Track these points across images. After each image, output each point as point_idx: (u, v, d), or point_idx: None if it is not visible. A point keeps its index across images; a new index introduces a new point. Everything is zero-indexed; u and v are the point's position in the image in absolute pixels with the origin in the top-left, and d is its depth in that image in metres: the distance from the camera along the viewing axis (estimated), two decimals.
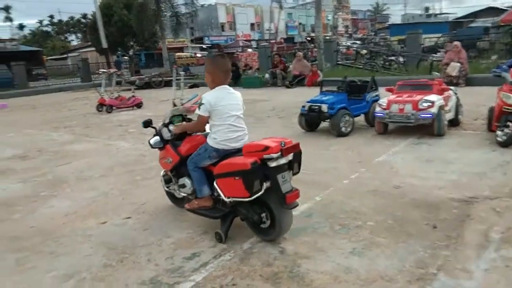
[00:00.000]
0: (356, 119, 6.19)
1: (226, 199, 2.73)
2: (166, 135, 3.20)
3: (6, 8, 61.36)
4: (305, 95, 10.44)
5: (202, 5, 21.92)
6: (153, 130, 3.39)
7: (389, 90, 6.21)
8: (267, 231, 2.76)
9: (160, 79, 17.53)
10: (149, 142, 3.41)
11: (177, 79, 9.64)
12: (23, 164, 5.56)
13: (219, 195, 2.78)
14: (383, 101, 5.70)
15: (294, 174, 2.78)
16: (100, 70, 11.65)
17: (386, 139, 5.55)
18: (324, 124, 6.23)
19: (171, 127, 3.22)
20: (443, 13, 63.39)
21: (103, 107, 10.35)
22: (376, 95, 6.45)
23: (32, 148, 6.49)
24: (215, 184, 2.79)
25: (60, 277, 2.52)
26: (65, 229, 3.25)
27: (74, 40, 71.09)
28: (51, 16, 69.35)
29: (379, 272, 2.34)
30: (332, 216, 3.13)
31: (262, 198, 2.65)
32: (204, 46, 52.20)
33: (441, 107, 5.38)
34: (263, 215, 2.71)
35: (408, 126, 5.63)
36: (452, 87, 6.19)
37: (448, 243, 2.63)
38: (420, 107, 5.30)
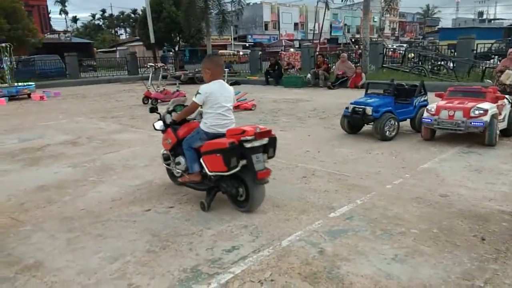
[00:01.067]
0: (401, 123, 6.02)
1: (209, 173, 3.25)
2: (168, 120, 3.77)
3: (62, 1, 64.79)
4: (347, 96, 10.28)
5: (248, 4, 21.94)
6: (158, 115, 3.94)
7: (439, 96, 5.98)
8: (243, 203, 3.31)
9: None
10: (153, 125, 3.94)
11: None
12: (74, 149, 5.87)
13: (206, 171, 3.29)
14: (432, 106, 5.50)
15: (269, 157, 3.33)
16: (148, 64, 12.04)
17: (432, 145, 5.36)
18: (367, 127, 6.11)
19: (173, 114, 3.75)
20: (497, 19, 60.15)
21: (149, 99, 10.69)
22: (425, 100, 6.24)
23: (82, 135, 6.84)
24: (201, 160, 3.31)
25: (107, 258, 2.64)
26: (111, 213, 3.40)
27: (123, 34, 73.96)
28: (103, 11, 72.55)
29: (422, 281, 2.27)
30: (373, 221, 3.07)
31: (240, 175, 3.19)
32: (247, 44, 52.67)
33: (494, 116, 5.12)
34: (240, 189, 3.27)
35: (456, 134, 5.41)
36: (507, 96, 5.87)
37: (496, 256, 2.51)
38: (472, 114, 5.07)
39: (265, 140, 3.19)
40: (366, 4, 15.60)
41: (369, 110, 5.67)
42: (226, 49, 43.87)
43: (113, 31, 69.69)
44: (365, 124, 6.05)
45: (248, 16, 51.95)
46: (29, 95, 13.68)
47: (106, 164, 4.99)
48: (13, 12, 21.06)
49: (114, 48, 52.05)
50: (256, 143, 3.13)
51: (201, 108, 3.45)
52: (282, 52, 22.91)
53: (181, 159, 3.65)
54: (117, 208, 3.53)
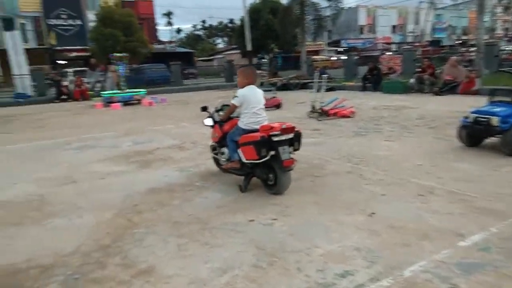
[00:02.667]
0: None
1: (245, 161, 3.98)
2: (216, 118, 4.58)
3: (168, 14, 70.63)
4: (459, 104, 9.27)
5: (342, 8, 21.35)
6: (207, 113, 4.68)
7: None
8: (272, 187, 3.99)
9: (297, 81, 17.79)
10: (203, 122, 4.79)
11: (318, 82, 9.52)
12: (180, 154, 6.15)
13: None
14: None
15: (295, 150, 3.99)
16: None
17: None
18: (491, 140, 5.34)
19: (221, 113, 4.56)
20: None
21: None
22: None
23: (187, 140, 7.17)
24: (239, 150, 4.04)
25: (215, 269, 2.60)
26: (217, 220, 3.40)
27: (220, 43, 77.90)
28: (204, 21, 77.29)
29: None
30: None
31: (270, 163, 3.87)
32: (340, 49, 51.50)
33: None
34: (270, 175, 3.96)
35: None
36: None
37: None
38: None
39: (290, 135, 3.91)
40: (480, 3, 14.03)
41: (495, 121, 4.94)
42: (318, 55, 43.45)
43: (211, 41, 73.85)
44: (489, 137, 5.30)
45: (342, 21, 50.62)
46: (139, 101, 14.99)
47: (210, 169, 5.10)
48: (129, 25, 23.45)
49: (212, 57, 55.06)
50: (283, 137, 3.84)
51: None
52: (383, 55, 21.78)
53: (225, 150, 4.42)
54: (222, 215, 3.52)
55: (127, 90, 15.80)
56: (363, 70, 19.60)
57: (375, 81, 15.01)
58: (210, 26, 75.80)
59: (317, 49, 47.20)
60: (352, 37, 56.66)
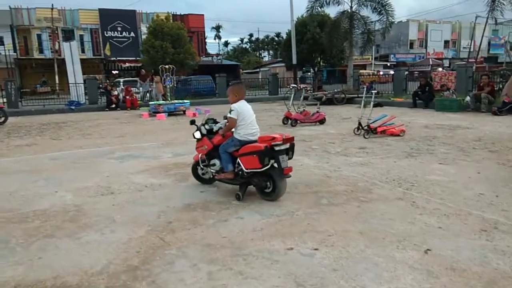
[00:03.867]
0: None
1: (245, 170, 4.17)
2: (203, 131, 4.74)
3: (217, 28, 72.43)
4: None
5: (393, 22, 20.62)
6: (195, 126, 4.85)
7: None
8: (270, 194, 4.22)
9: (343, 95, 17.30)
10: (193, 135, 4.84)
11: (366, 97, 9.09)
12: None
13: (239, 170, 4.28)
14: None
15: (289, 158, 4.21)
16: (291, 84, 12.10)
17: None
18: None
19: (219, 129, 4.61)
20: None
21: (288, 120, 10.65)
22: None
23: None
24: (238, 160, 4.25)
25: None
26: (253, 247, 3.14)
27: (266, 56, 78.63)
28: (251, 35, 78.48)
29: None
30: None
31: (268, 171, 4.10)
32: (388, 64, 50.01)
33: None
34: (268, 183, 4.18)
35: None
36: None
37: None
38: None
39: (288, 145, 4.16)
40: None
41: None
42: (365, 69, 42.42)
43: (257, 54, 74.68)
44: None
45: (391, 35, 49.31)
46: (184, 112, 15.19)
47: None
48: (178, 38, 24.14)
49: (257, 70, 55.52)
50: (283, 147, 4.09)
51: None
52: (436, 71, 20.78)
53: (216, 161, 4.53)
54: (258, 240, 3.26)
55: (173, 101, 16.09)
56: (413, 86, 18.77)
57: (426, 98, 14.24)
58: (257, 39, 76.78)
59: (364, 63, 46.20)
60: (401, 52, 54.97)
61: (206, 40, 46.83)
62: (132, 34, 38.34)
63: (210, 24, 74.75)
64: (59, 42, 32.84)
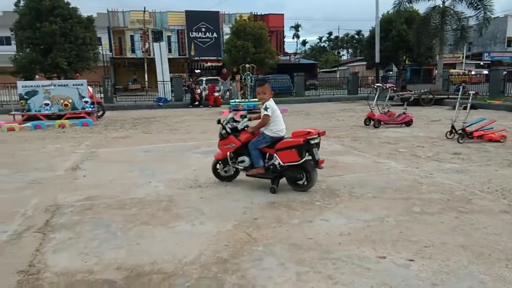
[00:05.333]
0: None
1: (282, 164, 4.41)
2: (228, 130, 4.81)
3: (296, 27, 72.27)
4: None
5: (490, 18, 18.67)
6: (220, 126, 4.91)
7: None
8: (303, 185, 4.52)
9: (431, 96, 16.16)
10: (220, 134, 4.89)
11: (461, 99, 8.36)
12: None
13: (270, 165, 4.53)
14: None
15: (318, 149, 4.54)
16: (375, 84, 11.60)
17: None
18: None
19: (245, 128, 4.80)
20: None
21: (371, 121, 10.22)
22: None
23: None
24: (275, 155, 4.46)
25: None
26: (341, 251, 3.03)
27: (344, 54, 76.69)
28: (330, 33, 77.11)
29: None
30: None
31: (302, 164, 4.37)
32: (481, 63, 45.65)
33: None
34: (301, 174, 4.48)
35: None
36: None
37: None
38: None
39: (319, 139, 4.51)
40: None
41: None
42: (455, 68, 39.18)
43: (336, 52, 73.10)
44: None
45: (486, 32, 45.04)
46: None
47: (331, 188, 4.74)
48: (260, 37, 24.53)
49: (335, 68, 54.34)
50: (316, 140, 4.44)
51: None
52: None
53: (245, 158, 4.67)
54: (346, 245, 3.14)
55: (252, 99, 16.38)
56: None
57: None
58: (336, 37, 75.16)
59: (454, 62, 42.72)
60: (497, 50, 49.81)
61: (284, 40, 46.97)
62: (215, 34, 39.88)
63: (289, 23, 74.74)
64: (149, 43, 35.35)
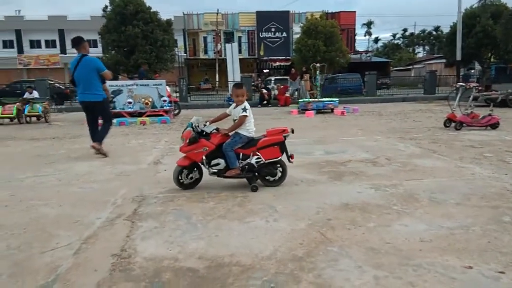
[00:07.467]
0: None
1: (265, 161, 4.67)
2: (208, 129, 4.75)
3: (368, 24, 69.79)
4: None
5: None
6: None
7: None
8: (278, 180, 4.87)
9: None
10: (189, 140, 4.63)
11: None
12: (374, 169, 5.75)
13: (245, 165, 4.67)
14: None
15: None
16: (457, 83, 10.84)
17: None
18: None
19: (213, 131, 4.78)
20: None
21: (451, 123, 9.58)
22: None
23: (380, 155, 6.70)
24: (257, 153, 4.66)
25: None
26: (422, 258, 2.90)
27: (420, 52, 72.52)
28: (404, 30, 73.34)
29: None
30: None
31: (280, 160, 4.80)
32: None
33: None
34: (279, 170, 4.84)
35: None
36: None
37: None
38: None
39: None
40: None
41: None
42: None
43: (411, 50, 69.37)
44: None
45: None
46: (332, 110, 15.15)
47: (410, 192, 4.55)
48: (331, 36, 24.18)
49: (410, 67, 51.60)
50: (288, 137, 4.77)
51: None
52: None
53: (220, 160, 4.65)
54: (428, 252, 3.00)
55: (321, 98, 16.20)
56: None
57: None
58: (411, 34, 71.31)
59: None
60: None
61: (355, 37, 45.65)
62: (284, 34, 40.06)
63: (360, 20, 72.40)
64: (220, 44, 36.55)
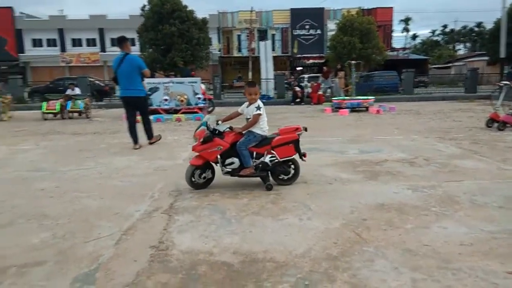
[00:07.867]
0: None
1: (280, 160, 4.65)
2: (221, 128, 4.69)
3: (406, 20, 67.66)
4: None
5: None
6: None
7: None
8: (290, 179, 4.83)
9: None
10: (204, 139, 4.58)
11: None
12: (411, 170, 5.60)
13: (258, 163, 4.65)
14: None
15: None
16: (501, 82, 10.34)
17: None
18: None
19: (227, 129, 4.71)
20: None
21: (494, 123, 9.16)
22: None
23: (418, 155, 6.51)
24: (272, 151, 4.64)
25: None
26: (462, 262, 2.81)
27: (461, 49, 69.66)
28: (444, 26, 70.67)
29: None
30: None
31: (293, 158, 4.79)
32: None
33: None
34: (291, 168, 4.81)
35: None
36: None
37: None
38: None
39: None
40: None
41: None
42: None
43: (451, 47, 66.73)
44: None
45: None
46: (367, 108, 14.85)
47: (449, 194, 4.40)
48: (367, 33, 23.69)
49: (449, 64, 49.69)
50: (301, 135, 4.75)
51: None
52: None
53: (234, 159, 4.59)
54: (468, 256, 2.90)
55: (356, 97, 15.92)
56: None
57: None
58: (451, 31, 68.56)
59: None
60: None
61: (392, 34, 44.46)
62: (318, 31, 39.64)
63: (397, 17, 70.30)
64: (254, 42, 36.65)
